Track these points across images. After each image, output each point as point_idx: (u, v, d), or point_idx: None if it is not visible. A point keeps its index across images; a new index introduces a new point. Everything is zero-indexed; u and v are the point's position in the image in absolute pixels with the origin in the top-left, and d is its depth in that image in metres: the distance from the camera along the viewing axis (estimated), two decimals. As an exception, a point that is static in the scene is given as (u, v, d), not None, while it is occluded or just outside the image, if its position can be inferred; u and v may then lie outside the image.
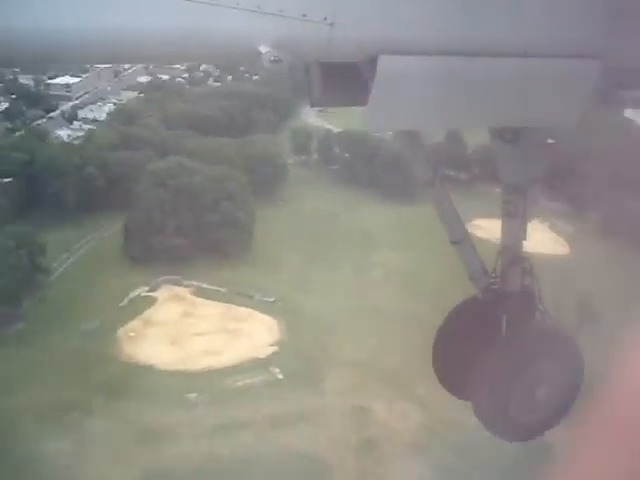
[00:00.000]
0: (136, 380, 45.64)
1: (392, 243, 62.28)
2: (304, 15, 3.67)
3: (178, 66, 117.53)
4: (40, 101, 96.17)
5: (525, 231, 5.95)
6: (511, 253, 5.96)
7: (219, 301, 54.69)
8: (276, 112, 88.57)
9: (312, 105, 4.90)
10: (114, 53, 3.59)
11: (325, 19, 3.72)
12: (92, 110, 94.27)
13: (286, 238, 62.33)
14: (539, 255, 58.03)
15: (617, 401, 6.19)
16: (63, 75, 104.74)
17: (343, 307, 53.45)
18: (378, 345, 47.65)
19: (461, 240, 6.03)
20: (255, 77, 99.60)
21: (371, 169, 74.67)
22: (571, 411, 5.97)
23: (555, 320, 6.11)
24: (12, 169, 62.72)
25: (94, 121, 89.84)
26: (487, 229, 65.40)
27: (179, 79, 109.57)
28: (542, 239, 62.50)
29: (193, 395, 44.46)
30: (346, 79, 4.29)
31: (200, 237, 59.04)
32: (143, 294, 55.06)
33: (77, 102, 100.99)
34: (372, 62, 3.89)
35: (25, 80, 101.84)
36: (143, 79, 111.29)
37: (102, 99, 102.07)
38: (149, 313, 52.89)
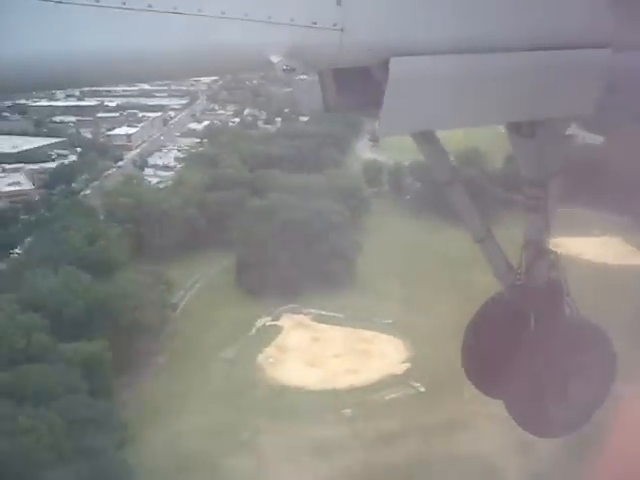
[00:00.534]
0: (288, 401, 48.26)
1: (478, 263, 65.32)
2: (314, 22, 3.72)
3: (223, 112, 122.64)
4: (107, 152, 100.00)
5: (549, 225, 5.93)
6: (535, 248, 5.96)
7: (340, 326, 57.51)
8: (337, 148, 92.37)
9: (326, 111, 4.96)
10: (132, 72, 3.68)
11: (335, 25, 3.76)
12: (160, 157, 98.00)
13: (381, 265, 65.36)
14: (620, 267, 61.43)
15: None
16: (120, 127, 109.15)
17: (454, 322, 56.16)
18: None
19: (484, 238, 6.10)
20: (303, 118, 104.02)
21: (443, 197, 78.01)
22: (605, 404, 5.98)
23: (584, 313, 6.04)
24: (123, 213, 65.98)
25: (165, 167, 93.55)
26: (566, 246, 69.17)
27: (231, 123, 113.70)
28: (621, 252, 65.96)
29: (348, 410, 47.11)
30: (359, 84, 4.39)
31: (310, 268, 62.00)
32: (268, 323, 57.88)
33: (138, 150, 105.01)
34: (384, 65, 3.95)
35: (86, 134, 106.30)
36: (193, 126, 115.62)
37: (163, 146, 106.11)
38: (279, 340, 55.67)
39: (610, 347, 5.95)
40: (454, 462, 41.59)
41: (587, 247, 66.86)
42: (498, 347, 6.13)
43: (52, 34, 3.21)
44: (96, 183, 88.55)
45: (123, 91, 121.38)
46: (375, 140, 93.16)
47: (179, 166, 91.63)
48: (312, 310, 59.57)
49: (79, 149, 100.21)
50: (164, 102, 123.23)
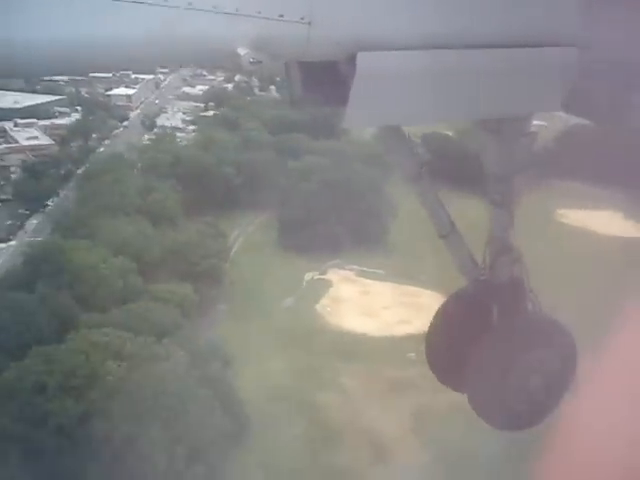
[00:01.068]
0: (354, 345, 52.04)
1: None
2: (281, 15, 3.73)
3: (213, 77, 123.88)
4: (108, 111, 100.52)
5: (513, 221, 5.97)
6: (499, 243, 6.01)
7: (383, 281, 61.47)
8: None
9: (292, 105, 5.17)
10: (95, 61, 3.67)
11: (302, 19, 3.78)
12: (168, 119, 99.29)
13: (408, 227, 69.40)
14: (624, 239, 66.36)
15: None
16: (118, 87, 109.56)
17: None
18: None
19: (449, 233, 6.10)
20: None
21: (456, 167, 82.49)
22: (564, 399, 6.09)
23: (547, 308, 6.11)
24: (163, 170, 67.90)
25: (174, 128, 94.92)
26: (573, 219, 74.50)
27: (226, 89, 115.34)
28: (623, 226, 71.17)
29: (412, 354, 51.19)
30: (326, 78, 4.36)
31: (348, 227, 65.58)
32: (316, 277, 61.34)
33: (138, 111, 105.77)
34: (351, 60, 3.97)
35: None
36: (187, 89, 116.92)
37: (163, 108, 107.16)
38: (332, 292, 59.28)
39: (571, 343, 6.02)
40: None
41: (592, 220, 72.27)
42: (461, 342, 6.20)
43: (16, 21, 3.20)
44: (107, 142, 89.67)
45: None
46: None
47: (189, 128, 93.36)
48: (354, 266, 63.25)
49: (79, 107, 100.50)
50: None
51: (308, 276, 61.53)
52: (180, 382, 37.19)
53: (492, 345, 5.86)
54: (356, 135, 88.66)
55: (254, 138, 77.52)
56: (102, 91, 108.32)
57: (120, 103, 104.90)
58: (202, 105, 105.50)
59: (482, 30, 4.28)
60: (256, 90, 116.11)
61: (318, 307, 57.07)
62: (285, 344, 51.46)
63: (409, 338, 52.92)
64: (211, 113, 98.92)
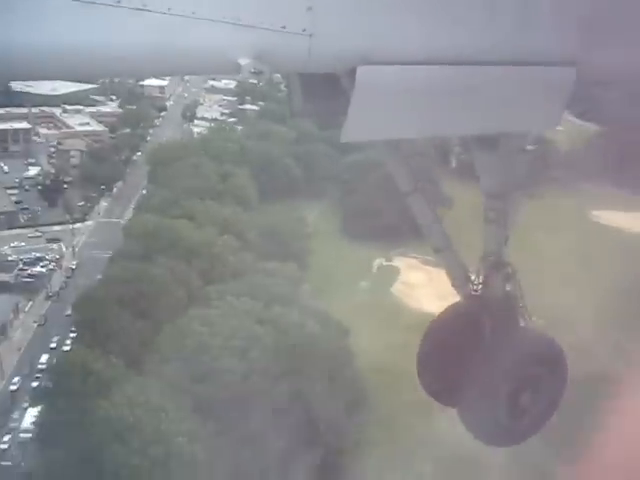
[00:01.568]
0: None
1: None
2: (283, 27, 3.72)
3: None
4: (142, 101, 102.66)
5: (507, 238, 6.03)
6: (493, 259, 6.07)
7: (447, 270, 65.11)
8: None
9: (292, 116, 5.16)
10: (96, 68, 3.68)
11: (304, 30, 3.77)
12: (206, 110, 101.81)
13: (461, 221, 73.23)
14: None
15: None
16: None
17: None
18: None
19: (443, 248, 6.28)
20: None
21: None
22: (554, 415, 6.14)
23: (538, 325, 6.30)
24: (229, 158, 70.68)
25: (213, 120, 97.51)
26: (608, 220, 78.86)
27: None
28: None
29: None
30: (326, 90, 4.43)
31: (410, 216, 68.93)
32: (384, 263, 64.83)
33: (171, 102, 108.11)
34: (351, 73, 3.98)
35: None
36: (214, 83, 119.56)
37: (196, 100, 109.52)
38: (402, 277, 62.83)
39: (562, 359, 6.05)
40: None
41: (620, 220, 76.69)
42: (453, 357, 6.20)
43: (20, 27, 3.21)
44: (151, 131, 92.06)
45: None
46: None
47: (230, 120, 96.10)
48: (417, 255, 66.80)
49: (113, 96, 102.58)
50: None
51: (377, 262, 64.91)
52: (318, 346, 40.20)
53: (483, 361, 5.90)
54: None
55: (307, 131, 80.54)
56: (133, 80, 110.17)
57: (154, 94, 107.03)
58: (235, 99, 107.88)
59: (481, 47, 4.33)
60: (282, 86, 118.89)
61: (393, 290, 60.47)
62: (372, 322, 54.65)
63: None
64: (247, 107, 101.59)
